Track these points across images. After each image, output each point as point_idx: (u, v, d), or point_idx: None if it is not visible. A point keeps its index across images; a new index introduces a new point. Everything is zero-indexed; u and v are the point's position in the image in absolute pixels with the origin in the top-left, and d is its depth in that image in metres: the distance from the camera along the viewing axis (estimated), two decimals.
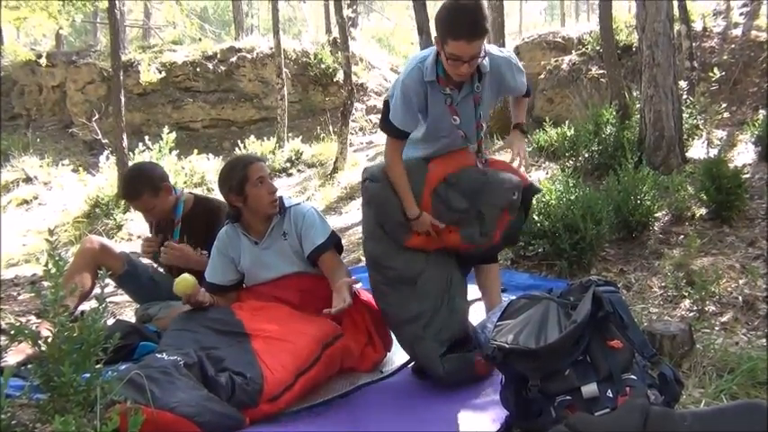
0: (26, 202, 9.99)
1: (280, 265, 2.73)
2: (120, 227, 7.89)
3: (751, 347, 2.82)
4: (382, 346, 2.79)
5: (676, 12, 7.92)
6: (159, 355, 2.12)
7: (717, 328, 3.12)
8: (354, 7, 15.94)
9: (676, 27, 7.82)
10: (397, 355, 2.85)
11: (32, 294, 1.65)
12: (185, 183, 9.09)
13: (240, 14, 19.18)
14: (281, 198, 2.80)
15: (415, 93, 2.48)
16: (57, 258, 1.62)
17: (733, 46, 9.31)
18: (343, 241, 5.95)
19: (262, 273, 2.75)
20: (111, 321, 3.28)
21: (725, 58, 9.07)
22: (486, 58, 2.45)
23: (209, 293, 2.70)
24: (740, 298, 3.44)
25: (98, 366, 1.70)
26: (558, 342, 1.90)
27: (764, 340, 2.95)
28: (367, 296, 2.85)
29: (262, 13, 28.23)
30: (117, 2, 8.71)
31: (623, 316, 1.97)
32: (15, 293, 5.02)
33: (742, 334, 3.07)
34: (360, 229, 6.59)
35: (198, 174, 9.56)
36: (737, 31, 9.62)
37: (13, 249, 7.35)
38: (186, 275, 2.55)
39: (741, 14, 10.08)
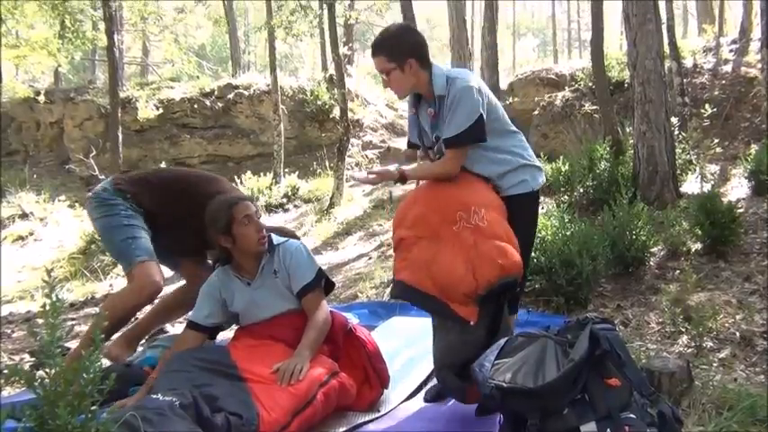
0: (22, 238, 9.97)
1: (273, 304, 2.73)
2: (115, 263, 7.86)
3: (750, 384, 2.81)
4: (379, 384, 2.76)
5: (667, 49, 8.08)
6: (154, 396, 2.10)
7: (715, 365, 3.10)
8: (350, 45, 16.17)
9: (667, 64, 7.95)
10: (394, 393, 2.82)
11: (26, 332, 1.64)
12: None
13: (237, 52, 19.45)
14: (269, 235, 2.81)
15: (410, 108, 2.86)
16: (54, 300, 1.61)
17: (723, 82, 9.48)
18: (340, 277, 6.00)
19: (256, 312, 2.74)
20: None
21: (716, 93, 9.22)
22: (447, 83, 2.60)
23: (188, 329, 2.76)
24: (737, 334, 3.43)
25: (93, 408, 1.69)
26: (556, 381, 1.89)
27: (763, 377, 2.94)
28: (363, 332, 2.84)
29: (259, 50, 28.62)
30: (116, 40, 8.83)
31: (621, 354, 1.97)
32: (9, 331, 4.98)
33: (740, 370, 3.06)
34: (356, 264, 6.62)
35: None
36: (727, 68, 9.80)
37: (7, 286, 7.31)
38: None
39: (731, 51, 10.28)
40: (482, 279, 2.38)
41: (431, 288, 2.47)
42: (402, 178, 2.63)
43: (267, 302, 2.72)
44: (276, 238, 2.84)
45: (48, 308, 1.63)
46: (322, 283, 2.82)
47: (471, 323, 2.39)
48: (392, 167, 2.65)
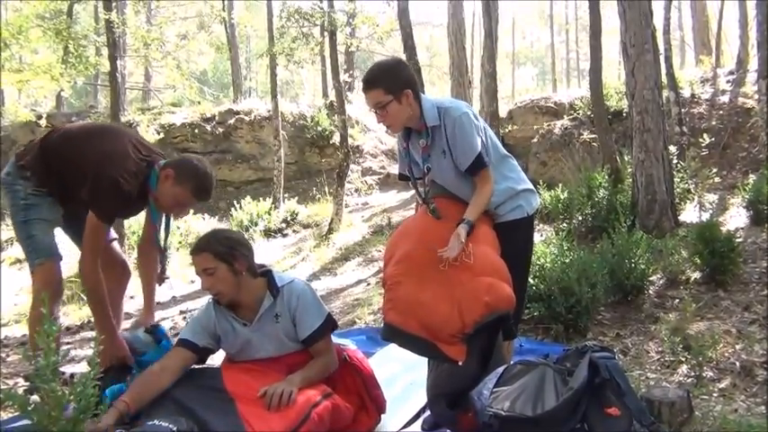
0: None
1: (269, 349, 2.64)
2: None
3: (750, 415, 2.78)
4: (375, 411, 2.73)
5: (664, 79, 8.15)
6: (150, 422, 2.08)
7: (715, 395, 3.08)
8: (351, 72, 16.32)
9: (665, 94, 8.02)
10: (393, 419, 2.79)
11: (21, 356, 1.63)
12: (180, 243, 9.07)
13: (239, 78, 19.57)
14: (271, 276, 2.67)
15: (400, 142, 2.87)
16: (50, 324, 1.61)
17: (721, 112, 9.54)
18: (338, 303, 5.98)
19: (250, 353, 2.65)
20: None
21: (713, 123, 9.28)
22: (439, 114, 2.65)
23: (178, 347, 2.60)
24: (737, 363, 3.41)
25: None
26: (555, 409, 1.88)
27: (763, 407, 2.92)
28: (358, 358, 2.80)
29: (260, 76, 28.84)
30: (119, 65, 8.89)
31: (620, 383, 1.96)
32: (4, 354, 4.92)
33: (741, 401, 3.03)
34: (355, 290, 6.59)
35: (193, 233, 9.55)
36: (725, 98, 9.88)
37: (4, 309, 7.24)
38: None
39: (728, 82, 10.37)
40: (468, 319, 2.37)
41: (418, 329, 2.46)
42: (471, 226, 2.57)
43: (264, 346, 2.63)
44: (279, 279, 2.68)
45: (43, 332, 1.63)
46: (330, 327, 2.71)
47: (459, 363, 2.37)
48: (460, 227, 2.54)
